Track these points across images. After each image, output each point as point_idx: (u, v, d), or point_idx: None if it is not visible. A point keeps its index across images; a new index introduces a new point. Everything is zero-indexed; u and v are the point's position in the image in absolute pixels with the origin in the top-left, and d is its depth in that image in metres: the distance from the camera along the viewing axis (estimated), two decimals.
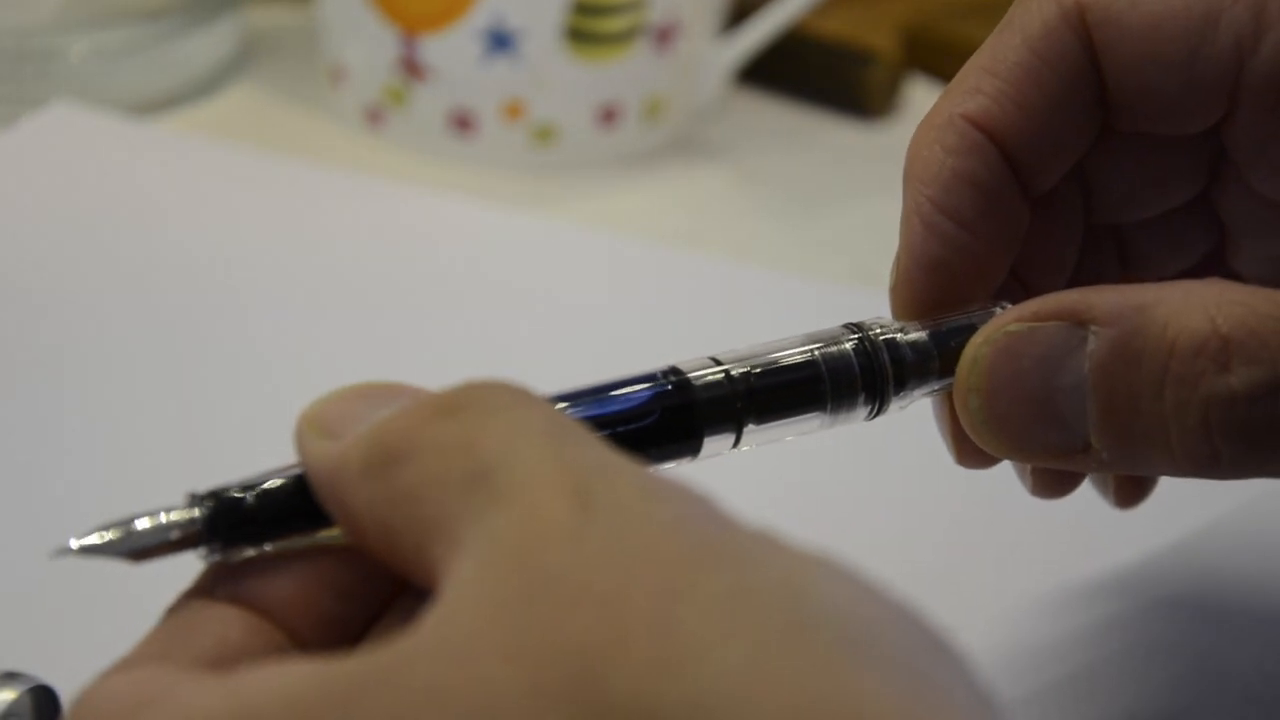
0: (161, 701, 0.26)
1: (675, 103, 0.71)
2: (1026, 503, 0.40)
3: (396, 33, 0.67)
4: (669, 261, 0.63)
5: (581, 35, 0.67)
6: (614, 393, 0.33)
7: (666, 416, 0.33)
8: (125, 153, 0.67)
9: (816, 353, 0.35)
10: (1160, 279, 0.35)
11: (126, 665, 0.29)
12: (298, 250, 0.62)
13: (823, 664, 0.24)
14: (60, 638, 0.42)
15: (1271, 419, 0.32)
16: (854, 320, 0.36)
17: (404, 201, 0.65)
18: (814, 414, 0.35)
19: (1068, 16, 0.36)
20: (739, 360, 0.35)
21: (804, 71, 0.76)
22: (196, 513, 0.30)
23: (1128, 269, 0.41)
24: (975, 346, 0.35)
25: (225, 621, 0.29)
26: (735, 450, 0.35)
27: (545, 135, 0.69)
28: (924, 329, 0.36)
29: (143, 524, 0.29)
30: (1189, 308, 0.32)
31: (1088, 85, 0.37)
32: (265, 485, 0.30)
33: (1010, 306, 0.35)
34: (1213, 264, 0.40)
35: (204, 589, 0.30)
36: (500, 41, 0.66)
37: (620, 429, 0.33)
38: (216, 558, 0.30)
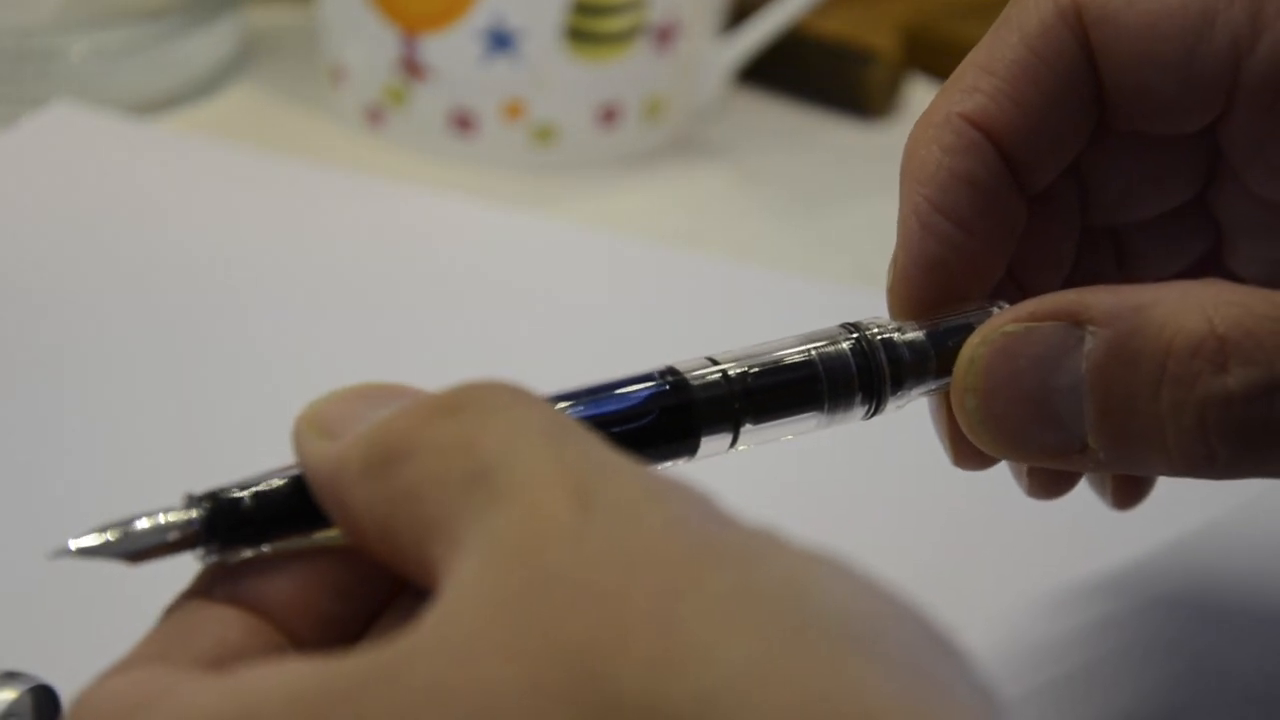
0: (161, 701, 0.26)
1: (675, 103, 0.71)
2: (1024, 502, 0.40)
3: (397, 32, 0.67)
4: (669, 261, 0.63)
5: (581, 35, 0.67)
6: (611, 393, 0.33)
7: (663, 416, 0.33)
8: (125, 153, 0.67)
9: (813, 352, 0.35)
10: (1158, 281, 0.35)
11: (125, 666, 0.28)
12: (298, 250, 0.62)
13: (826, 661, 0.24)
14: (60, 638, 0.42)
15: (1267, 419, 0.32)
16: (852, 320, 0.36)
17: (404, 201, 0.65)
18: (811, 414, 0.35)
19: (1065, 15, 0.36)
20: (736, 360, 0.35)
21: (804, 71, 0.76)
22: (194, 514, 0.30)
23: (1125, 271, 0.41)
24: (972, 346, 0.35)
25: (224, 622, 0.29)
26: (732, 450, 0.35)
27: (545, 135, 0.69)
28: (921, 329, 0.36)
29: (140, 525, 0.29)
30: (1186, 308, 0.32)
31: (1085, 83, 0.37)
32: (263, 486, 0.30)
33: (1008, 306, 0.35)
34: (1210, 266, 0.40)
35: (202, 590, 0.30)
36: (500, 41, 0.66)
37: (617, 429, 0.33)
38: (214, 559, 0.30)
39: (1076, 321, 0.33)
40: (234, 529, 0.30)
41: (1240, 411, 0.32)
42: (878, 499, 0.50)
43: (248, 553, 0.30)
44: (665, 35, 0.68)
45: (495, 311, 0.59)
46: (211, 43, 0.73)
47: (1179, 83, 0.36)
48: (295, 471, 0.30)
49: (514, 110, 0.68)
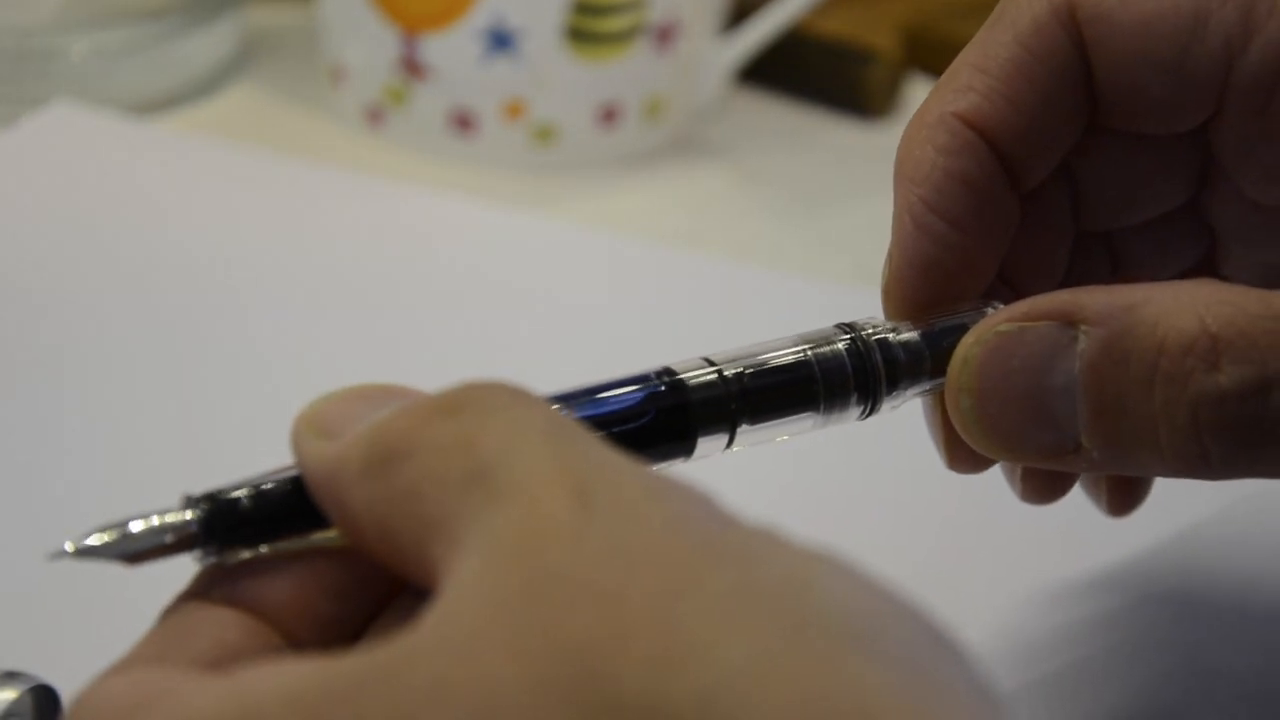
0: (160, 702, 0.26)
1: (675, 102, 0.71)
2: (1017, 501, 0.40)
3: (397, 32, 0.68)
4: (669, 261, 0.63)
5: (582, 35, 0.67)
6: (607, 393, 0.33)
7: (660, 417, 0.33)
8: (125, 153, 0.67)
9: (809, 353, 0.35)
10: None
11: (124, 667, 0.29)
12: (298, 250, 0.62)
13: (826, 660, 0.24)
14: (60, 638, 0.42)
15: (1260, 418, 0.32)
16: (848, 320, 0.36)
17: (404, 201, 0.65)
18: (807, 414, 0.35)
19: (1058, 13, 0.36)
20: (732, 360, 0.35)
21: (804, 71, 0.76)
22: (192, 515, 0.30)
23: (1119, 278, 0.41)
24: (966, 347, 0.35)
25: (222, 623, 0.29)
26: (729, 451, 0.35)
27: (545, 135, 0.69)
28: (916, 329, 0.36)
29: (138, 526, 0.29)
30: (1178, 307, 0.32)
31: (1078, 82, 0.37)
32: (261, 487, 0.30)
33: (1002, 307, 0.35)
34: (1203, 271, 0.40)
35: (200, 591, 0.30)
36: (500, 41, 0.66)
37: (613, 430, 0.33)
38: (212, 560, 0.30)
39: (1070, 321, 0.33)
40: (232, 530, 0.30)
41: (1233, 410, 0.32)
42: (872, 498, 0.50)
43: (246, 554, 0.30)
44: (665, 35, 0.68)
45: (495, 311, 0.59)
46: (211, 43, 0.73)
47: (1172, 82, 0.36)
48: (294, 472, 0.30)
49: (514, 110, 0.68)
